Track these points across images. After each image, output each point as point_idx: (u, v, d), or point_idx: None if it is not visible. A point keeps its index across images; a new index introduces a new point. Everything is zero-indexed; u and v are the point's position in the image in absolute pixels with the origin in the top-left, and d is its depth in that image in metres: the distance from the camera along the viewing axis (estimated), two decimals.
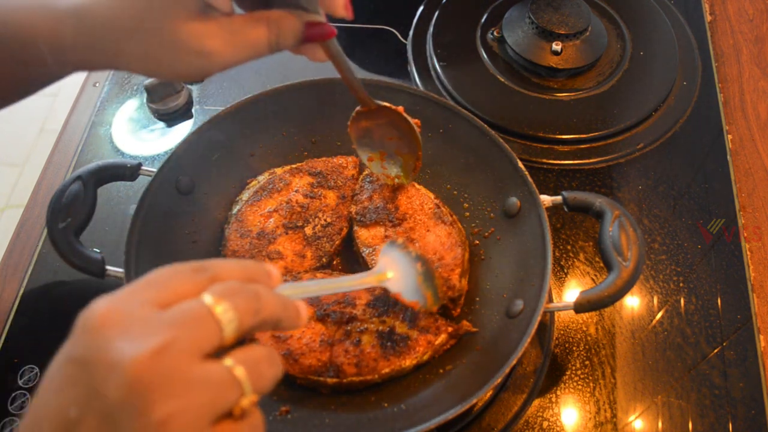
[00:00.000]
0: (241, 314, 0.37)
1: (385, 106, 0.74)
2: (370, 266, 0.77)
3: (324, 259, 0.78)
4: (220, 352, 0.37)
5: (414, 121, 0.76)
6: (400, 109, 0.75)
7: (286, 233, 0.78)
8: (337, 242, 0.79)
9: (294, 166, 0.85)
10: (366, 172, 0.85)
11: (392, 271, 0.67)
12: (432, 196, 0.82)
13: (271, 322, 0.40)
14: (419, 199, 0.81)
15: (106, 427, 0.34)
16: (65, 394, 0.35)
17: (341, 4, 0.54)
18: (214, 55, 0.50)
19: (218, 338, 0.36)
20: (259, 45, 0.52)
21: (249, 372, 0.36)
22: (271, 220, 0.79)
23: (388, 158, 0.80)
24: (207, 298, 0.37)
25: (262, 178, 0.84)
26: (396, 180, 0.81)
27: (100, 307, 0.36)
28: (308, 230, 0.79)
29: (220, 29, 0.50)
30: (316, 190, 0.82)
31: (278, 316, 0.40)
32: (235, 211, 0.81)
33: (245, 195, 0.82)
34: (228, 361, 0.36)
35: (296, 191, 0.81)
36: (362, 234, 0.79)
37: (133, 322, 0.35)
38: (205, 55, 0.50)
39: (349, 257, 0.82)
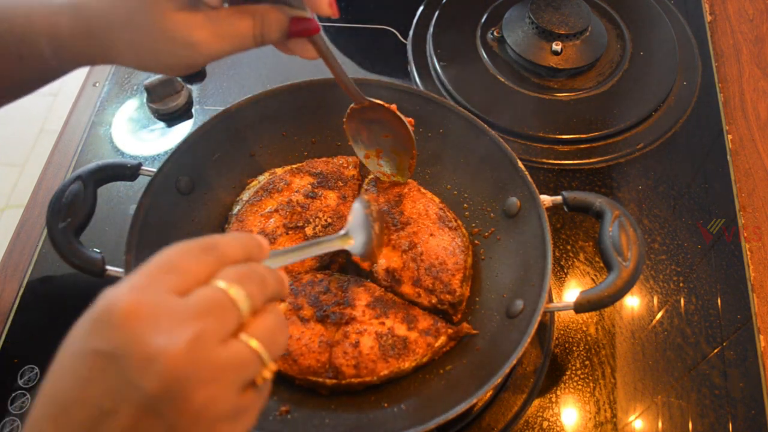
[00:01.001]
0: (253, 296, 0.40)
1: (377, 104, 0.74)
2: (372, 270, 0.77)
3: (325, 260, 0.78)
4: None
5: (407, 120, 0.76)
6: (393, 107, 0.75)
7: (287, 233, 0.78)
8: None
9: (294, 166, 0.85)
10: (371, 176, 0.85)
11: (357, 235, 0.68)
12: (437, 200, 0.82)
13: (273, 297, 0.44)
14: (423, 203, 0.81)
15: (147, 417, 0.36)
16: (95, 386, 0.36)
17: (326, 3, 0.55)
18: (200, 46, 0.52)
19: (239, 320, 0.39)
20: (244, 37, 0.54)
21: (266, 344, 0.40)
22: (272, 220, 0.79)
23: (384, 156, 0.81)
24: (223, 284, 0.40)
25: (263, 178, 0.84)
26: (393, 178, 0.82)
27: (124, 299, 0.37)
28: (309, 230, 0.79)
29: (207, 21, 0.52)
30: (316, 190, 0.82)
31: (277, 291, 0.44)
32: (235, 211, 0.81)
33: (245, 195, 0.82)
34: (247, 338, 0.39)
35: (297, 191, 0.81)
36: None
37: (161, 314, 0.36)
38: (192, 46, 0.52)
39: (350, 258, 0.81)
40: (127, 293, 0.37)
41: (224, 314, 0.39)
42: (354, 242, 0.67)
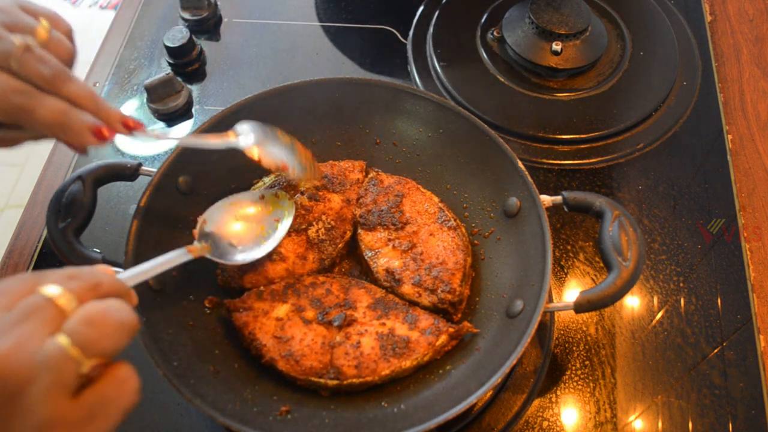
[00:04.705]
0: (75, 291, 0.42)
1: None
2: (372, 270, 0.77)
3: (326, 262, 0.78)
4: None
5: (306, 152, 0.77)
6: (283, 166, 0.74)
7: (289, 235, 0.78)
8: (340, 245, 0.79)
9: None
10: (371, 175, 0.85)
11: (246, 133, 0.72)
12: (436, 199, 0.82)
13: (108, 293, 0.45)
14: (423, 203, 0.81)
15: None
16: None
17: (117, 119, 0.60)
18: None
19: (62, 317, 0.41)
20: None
21: (79, 342, 0.40)
22: None
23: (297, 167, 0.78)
24: (42, 289, 0.41)
25: (268, 180, 0.83)
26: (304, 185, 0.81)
27: None
28: (311, 233, 0.79)
29: None
30: (321, 193, 0.82)
31: (114, 288, 0.45)
32: None
33: None
34: (62, 337, 0.40)
35: (301, 193, 0.81)
36: (365, 237, 0.79)
37: None
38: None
39: (353, 261, 0.82)
40: None
41: (42, 315, 0.40)
42: (241, 138, 0.70)
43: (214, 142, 0.71)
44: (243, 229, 0.74)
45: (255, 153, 0.72)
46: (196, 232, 0.72)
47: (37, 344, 0.39)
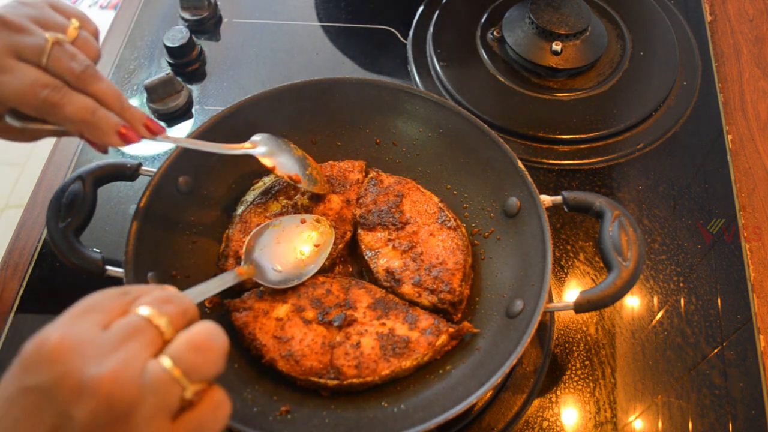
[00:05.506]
0: (171, 314, 0.43)
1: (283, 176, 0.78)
2: (372, 270, 0.77)
3: (326, 262, 0.78)
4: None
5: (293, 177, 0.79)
6: (296, 177, 0.78)
7: None
8: (340, 246, 0.79)
9: None
10: (371, 175, 0.85)
11: (262, 145, 0.77)
12: (436, 199, 0.82)
13: (193, 318, 0.45)
14: (423, 203, 0.81)
15: None
16: (31, 425, 0.37)
17: (141, 121, 0.61)
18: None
19: (161, 339, 0.41)
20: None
21: (184, 368, 0.40)
22: None
23: (309, 179, 0.81)
24: (140, 310, 0.42)
25: (268, 180, 0.83)
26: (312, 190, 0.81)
27: (51, 336, 0.38)
28: None
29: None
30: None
31: (196, 314, 0.46)
32: (239, 211, 0.81)
33: (250, 196, 0.82)
34: (166, 361, 0.40)
35: (302, 194, 0.81)
36: (365, 237, 0.79)
37: (87, 345, 0.39)
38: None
39: (353, 261, 0.82)
40: (53, 331, 0.39)
41: (144, 336, 0.40)
42: (258, 148, 0.77)
43: (230, 149, 0.75)
44: (285, 253, 0.75)
45: (269, 162, 0.77)
46: (242, 252, 0.73)
47: (140, 366, 0.39)
